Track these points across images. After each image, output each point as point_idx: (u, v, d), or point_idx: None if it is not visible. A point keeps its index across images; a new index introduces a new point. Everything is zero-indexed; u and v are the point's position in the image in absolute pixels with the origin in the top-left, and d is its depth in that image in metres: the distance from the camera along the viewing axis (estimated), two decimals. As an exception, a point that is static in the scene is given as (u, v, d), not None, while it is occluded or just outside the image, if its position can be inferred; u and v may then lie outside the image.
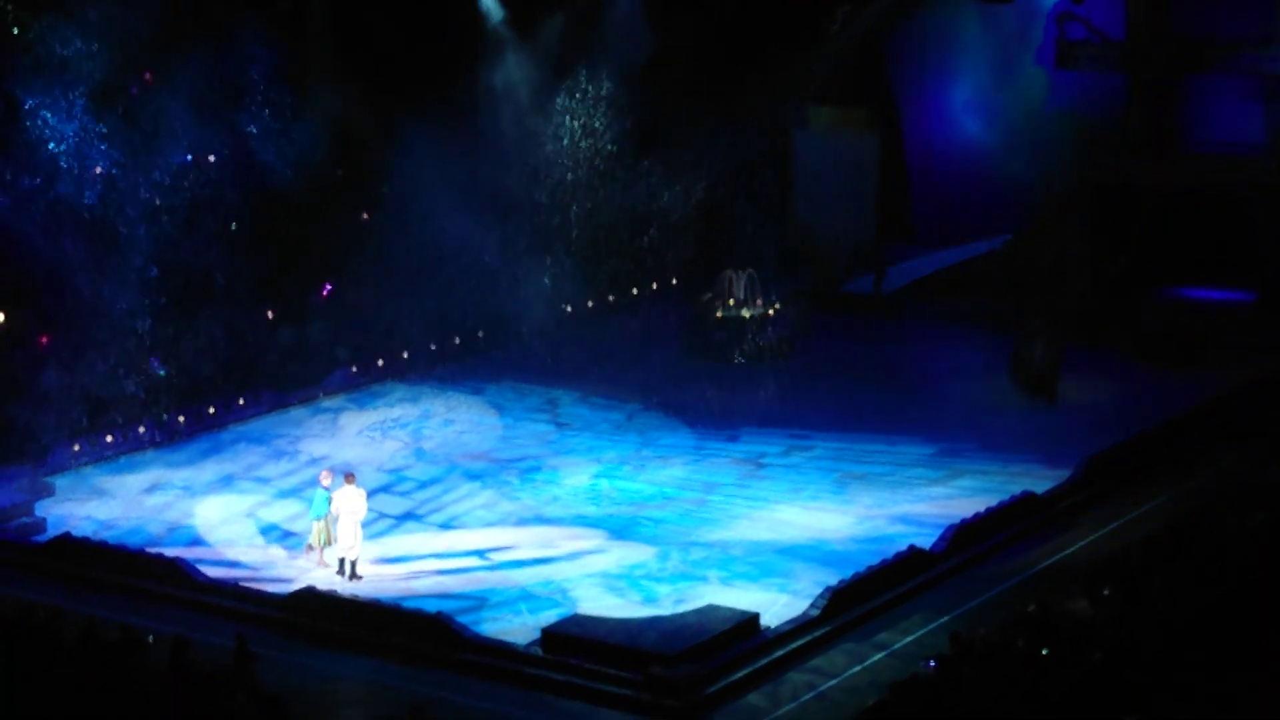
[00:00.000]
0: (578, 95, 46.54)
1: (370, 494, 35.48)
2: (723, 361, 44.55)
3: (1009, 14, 51.32)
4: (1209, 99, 49.24)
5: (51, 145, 38.30)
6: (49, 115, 38.16)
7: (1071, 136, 50.23)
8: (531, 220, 46.76)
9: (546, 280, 45.70)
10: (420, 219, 44.56)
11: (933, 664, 23.28)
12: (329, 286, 44.28)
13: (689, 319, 46.37)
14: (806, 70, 48.38)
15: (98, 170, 38.94)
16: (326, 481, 31.97)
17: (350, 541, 31.07)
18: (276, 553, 33.01)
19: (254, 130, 41.51)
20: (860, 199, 50.08)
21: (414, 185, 44.07)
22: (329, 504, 31.35)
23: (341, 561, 31.16)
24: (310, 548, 31.90)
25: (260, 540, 33.70)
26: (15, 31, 38.13)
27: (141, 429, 39.11)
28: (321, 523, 31.49)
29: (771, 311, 45.52)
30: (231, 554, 32.91)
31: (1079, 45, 49.99)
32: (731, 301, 45.47)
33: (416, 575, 31.67)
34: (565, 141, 46.61)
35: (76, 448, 37.88)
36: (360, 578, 31.10)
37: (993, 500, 32.97)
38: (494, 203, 45.97)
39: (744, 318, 45.38)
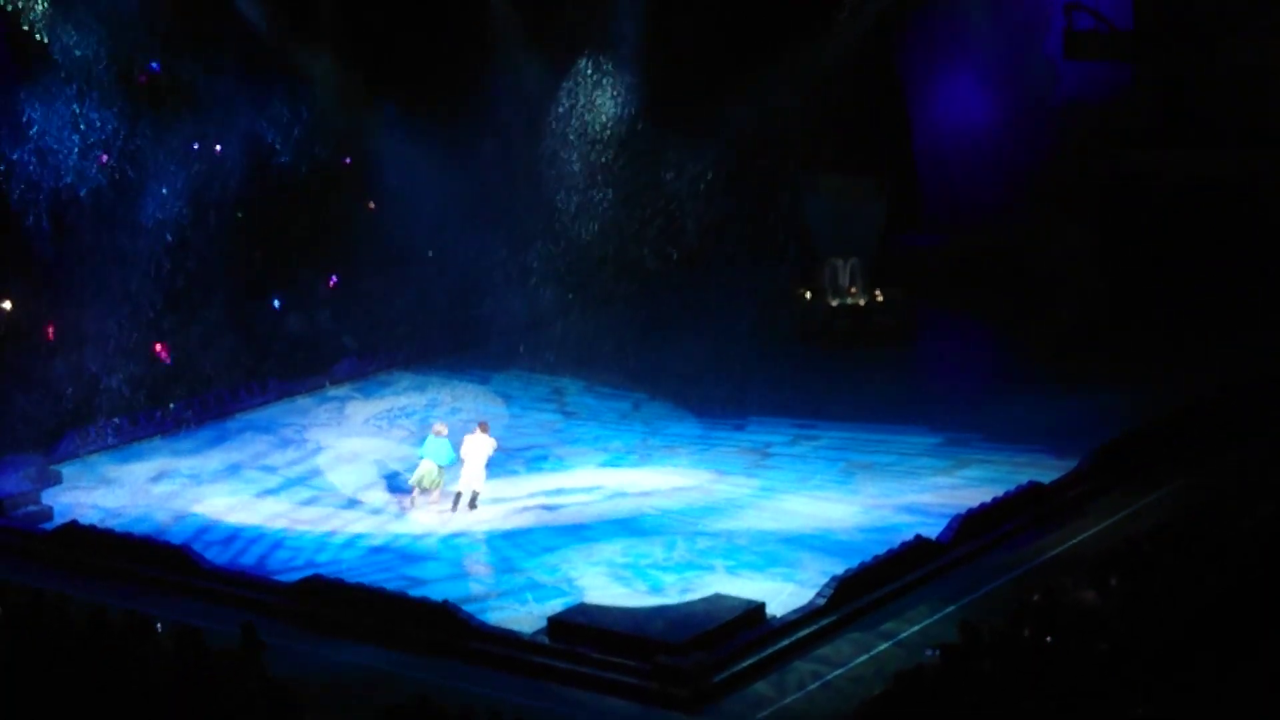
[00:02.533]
0: (581, 86, 46.43)
1: (375, 483, 35.78)
2: (844, 348, 44.60)
3: (1017, 4, 51.24)
4: (1218, 89, 49.11)
5: (58, 134, 38.38)
6: (56, 104, 38.24)
7: (1079, 127, 50.14)
8: (537, 211, 46.69)
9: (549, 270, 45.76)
10: (427, 208, 44.60)
11: (934, 652, 23.34)
12: (335, 278, 44.25)
13: (799, 309, 46.28)
14: (814, 67, 48.27)
15: (104, 159, 38.98)
16: (443, 431, 34.36)
17: (475, 478, 33.89)
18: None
19: (262, 119, 41.50)
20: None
21: (420, 174, 44.06)
22: (457, 450, 33.96)
23: (457, 496, 33.85)
24: (423, 491, 34.21)
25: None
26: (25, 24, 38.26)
27: (148, 417, 39.15)
28: (438, 468, 33.98)
29: (880, 298, 45.64)
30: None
31: (1087, 35, 49.80)
32: (852, 290, 45.76)
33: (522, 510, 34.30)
34: (569, 134, 46.52)
35: (83, 436, 37.92)
36: (476, 507, 33.81)
37: (999, 490, 32.93)
38: (500, 192, 45.99)
39: (860, 305, 45.62)
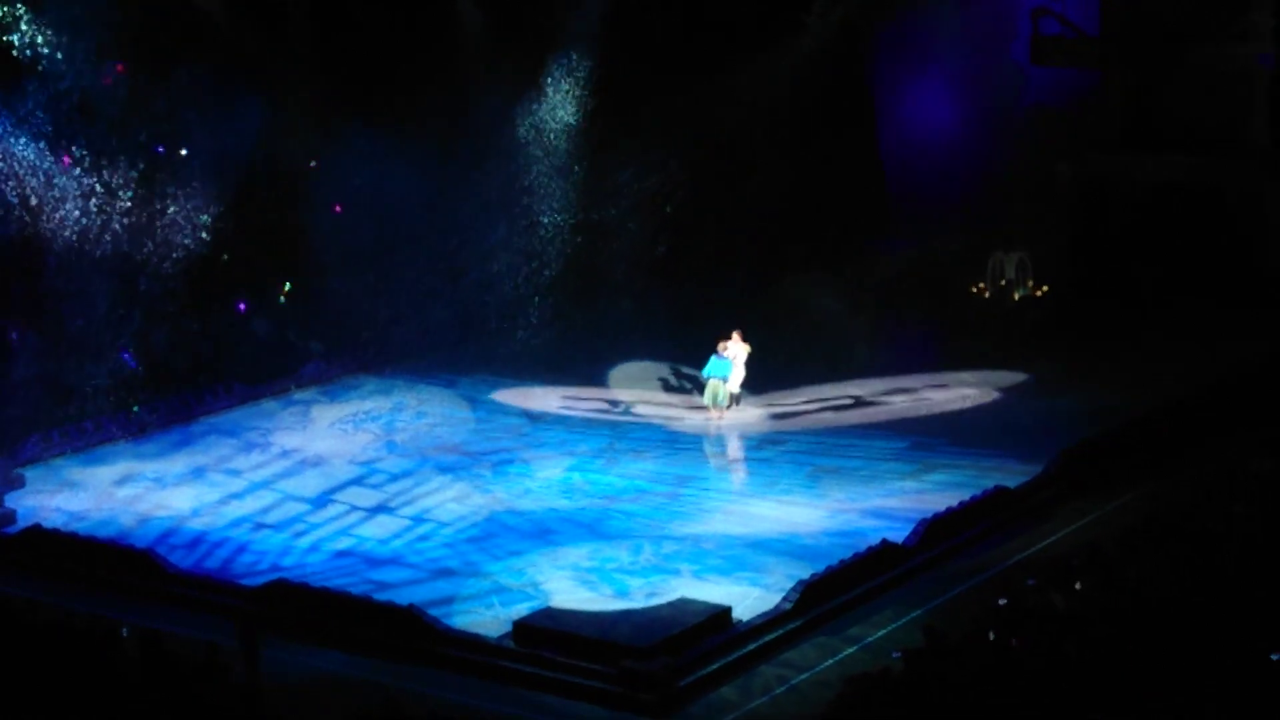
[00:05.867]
0: (548, 89, 46.35)
1: (342, 486, 35.79)
2: (1034, 342, 44.62)
3: (984, 10, 51.35)
4: (1185, 94, 49.30)
5: (21, 136, 38.26)
6: (19, 105, 38.11)
7: (1046, 132, 50.30)
8: (505, 215, 46.63)
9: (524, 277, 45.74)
10: (393, 211, 44.53)
11: (897, 655, 23.39)
12: (287, 285, 44.12)
13: (973, 302, 46.23)
14: (780, 72, 48.35)
15: (67, 161, 38.82)
16: (725, 350, 39.35)
17: (737, 379, 39.74)
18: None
19: (227, 121, 41.35)
20: None
21: (387, 177, 43.96)
22: (730, 366, 39.38)
23: (731, 397, 39.74)
24: (721, 407, 39.59)
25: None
26: None
27: (112, 421, 38.98)
28: (723, 383, 39.39)
29: (1046, 289, 45.97)
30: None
31: (1054, 41, 50.01)
32: (1003, 283, 45.92)
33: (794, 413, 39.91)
34: (538, 137, 46.44)
35: (47, 440, 37.75)
36: (734, 406, 39.86)
37: (965, 494, 32.99)
38: (469, 196, 45.93)
39: (1037, 296, 45.94)
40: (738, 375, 39.80)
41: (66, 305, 39.01)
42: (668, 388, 42.41)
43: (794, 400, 41.02)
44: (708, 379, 39.62)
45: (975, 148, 51.43)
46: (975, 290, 45.99)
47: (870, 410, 40.44)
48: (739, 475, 36.90)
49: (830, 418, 39.89)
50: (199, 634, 25.21)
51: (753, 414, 40.11)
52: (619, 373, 43.77)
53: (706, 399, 39.76)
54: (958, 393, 41.32)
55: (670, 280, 47.55)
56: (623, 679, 25.89)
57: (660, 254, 47.67)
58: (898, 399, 41.09)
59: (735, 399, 39.94)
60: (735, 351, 39.61)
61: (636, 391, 42.17)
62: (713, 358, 39.51)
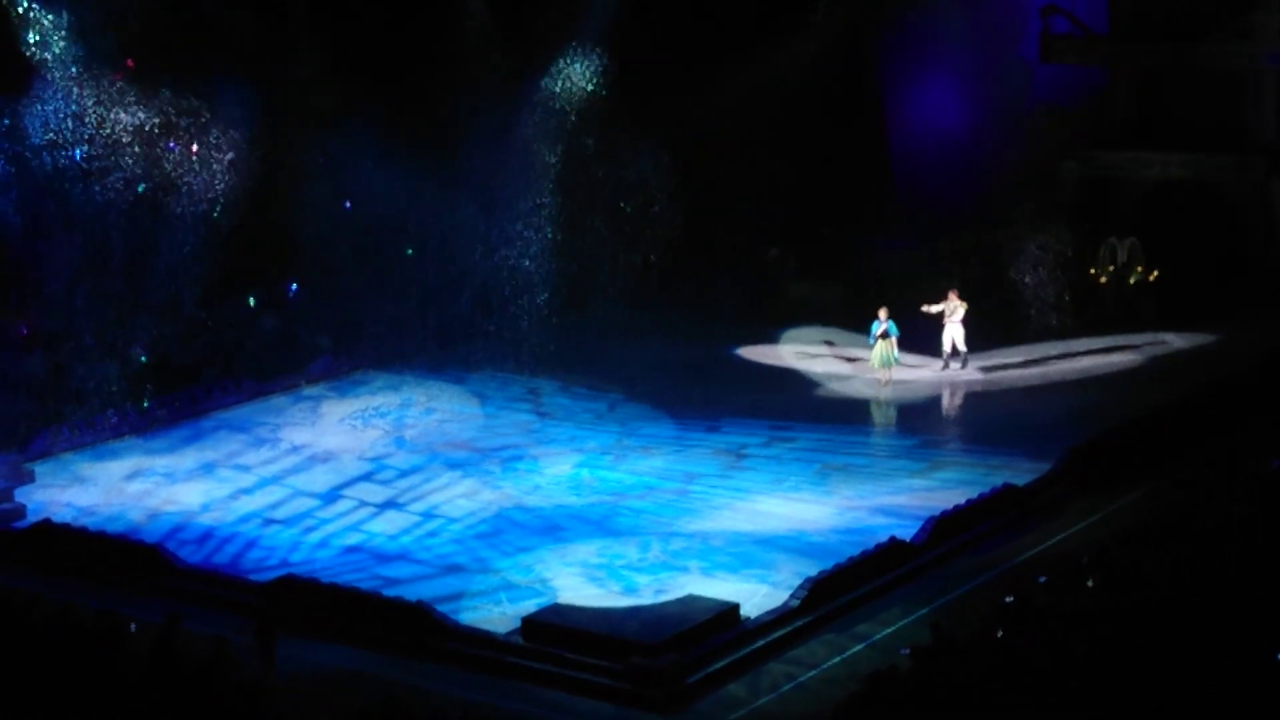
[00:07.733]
0: (558, 82, 46.35)
1: (351, 482, 35.87)
2: (1153, 328, 45.20)
3: (993, 7, 51.40)
4: (1193, 92, 49.36)
5: (30, 131, 38.35)
6: (27, 103, 38.21)
7: (1054, 129, 50.32)
8: (514, 210, 46.65)
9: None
10: (403, 206, 44.56)
11: (905, 653, 23.42)
12: (295, 285, 44.23)
13: (1085, 287, 46.43)
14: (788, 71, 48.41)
15: (77, 157, 38.90)
16: (884, 315, 40.81)
17: (958, 337, 41.80)
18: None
19: (237, 117, 41.43)
20: None
21: (394, 172, 44.00)
22: (895, 328, 40.83)
23: (957, 353, 41.85)
24: (892, 366, 41.27)
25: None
26: None
27: (122, 416, 39.04)
28: (887, 345, 40.84)
29: (1158, 273, 46.27)
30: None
31: (1062, 39, 50.05)
32: (1111, 268, 46.30)
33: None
34: (542, 133, 46.44)
35: (57, 434, 37.81)
36: (966, 365, 41.89)
37: (973, 492, 32.99)
38: (478, 190, 45.96)
39: (1150, 282, 46.24)
40: (958, 333, 41.74)
41: (76, 301, 39.09)
42: (837, 351, 44.49)
43: (996, 360, 43.02)
44: (875, 341, 41.16)
45: (983, 145, 51.46)
46: (1091, 275, 46.14)
47: (1071, 366, 42.79)
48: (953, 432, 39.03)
49: (1021, 375, 42.22)
50: (208, 629, 25.23)
51: (927, 374, 42.26)
52: (791, 336, 46.03)
53: (875, 361, 41.27)
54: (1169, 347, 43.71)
55: (672, 279, 47.57)
56: (631, 675, 25.96)
57: (661, 253, 47.67)
58: (1118, 356, 43.28)
59: (961, 356, 41.89)
60: (953, 309, 41.53)
61: (820, 350, 44.79)
62: (874, 324, 40.99)
